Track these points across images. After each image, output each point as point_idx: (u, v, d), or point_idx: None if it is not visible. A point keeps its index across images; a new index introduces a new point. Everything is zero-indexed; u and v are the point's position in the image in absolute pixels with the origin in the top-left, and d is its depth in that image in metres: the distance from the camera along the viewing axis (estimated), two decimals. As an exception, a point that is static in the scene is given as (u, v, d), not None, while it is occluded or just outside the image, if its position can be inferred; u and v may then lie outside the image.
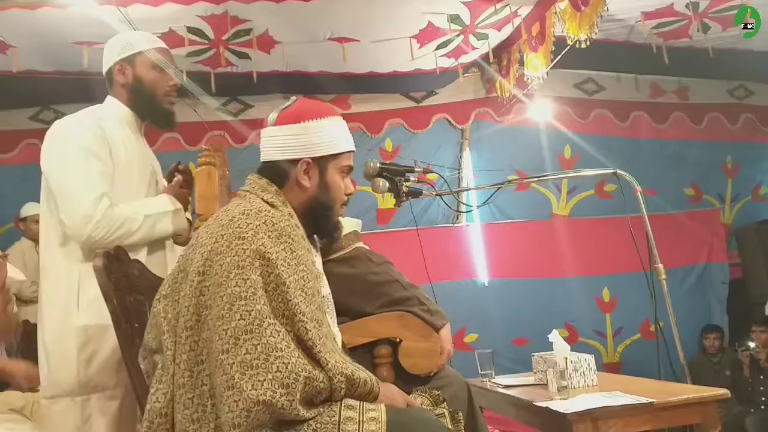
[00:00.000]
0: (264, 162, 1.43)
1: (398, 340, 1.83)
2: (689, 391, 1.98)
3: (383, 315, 1.80)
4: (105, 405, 1.67)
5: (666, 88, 4.92)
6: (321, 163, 1.41)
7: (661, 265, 2.52)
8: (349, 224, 1.99)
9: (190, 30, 3.40)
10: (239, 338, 1.14)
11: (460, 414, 1.50)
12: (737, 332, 4.66)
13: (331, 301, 1.48)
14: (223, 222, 1.28)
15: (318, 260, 1.48)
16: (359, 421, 1.18)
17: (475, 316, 4.44)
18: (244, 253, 1.21)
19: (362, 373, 1.26)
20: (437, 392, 1.56)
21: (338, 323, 1.52)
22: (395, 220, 4.50)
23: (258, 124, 4.34)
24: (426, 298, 1.86)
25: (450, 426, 1.41)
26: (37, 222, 3.61)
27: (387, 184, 2.27)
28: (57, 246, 1.73)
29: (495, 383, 2.50)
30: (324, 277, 1.49)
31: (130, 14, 3.12)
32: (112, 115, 1.84)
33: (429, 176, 2.48)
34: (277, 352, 1.13)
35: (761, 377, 4.05)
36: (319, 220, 1.44)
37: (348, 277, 1.66)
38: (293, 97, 1.49)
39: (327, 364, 1.18)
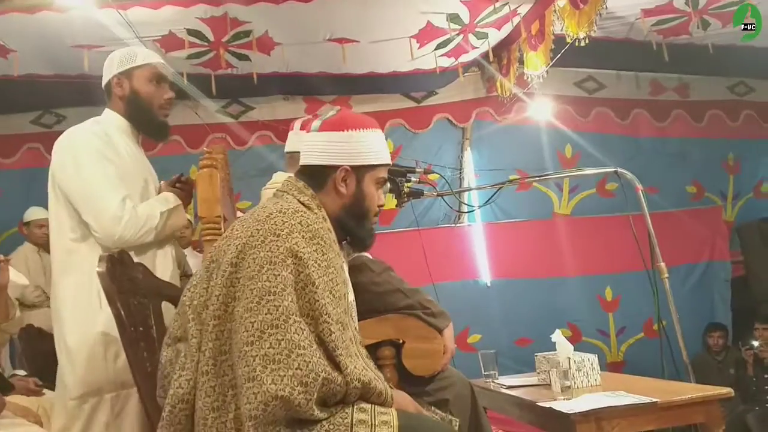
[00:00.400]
0: (303, 165, 1.46)
1: (401, 341, 1.83)
2: (693, 391, 1.97)
3: (386, 317, 1.80)
4: (134, 400, 1.69)
5: (666, 86, 4.91)
6: (359, 172, 1.44)
7: (663, 264, 2.52)
8: None
9: (190, 32, 3.41)
10: (264, 332, 1.15)
11: None
12: (741, 330, 4.65)
13: (355, 307, 1.49)
14: (260, 218, 1.30)
15: (345, 266, 1.49)
16: (371, 424, 1.19)
17: (478, 316, 4.44)
18: (278, 249, 1.23)
19: (379, 384, 1.26)
20: (450, 417, 1.57)
21: None
22: (397, 221, 4.49)
23: (259, 126, 4.36)
24: (429, 301, 1.86)
25: None
26: (41, 226, 3.68)
27: (388, 185, 2.27)
28: (74, 246, 1.76)
29: (498, 384, 2.49)
30: (350, 283, 1.50)
31: (129, 17, 3.12)
32: (112, 125, 1.90)
33: (430, 177, 2.48)
34: (299, 349, 1.15)
35: (765, 376, 4.04)
36: (351, 227, 1.46)
37: (355, 287, 1.67)
38: (337, 107, 1.53)
39: (346, 368, 1.19)
